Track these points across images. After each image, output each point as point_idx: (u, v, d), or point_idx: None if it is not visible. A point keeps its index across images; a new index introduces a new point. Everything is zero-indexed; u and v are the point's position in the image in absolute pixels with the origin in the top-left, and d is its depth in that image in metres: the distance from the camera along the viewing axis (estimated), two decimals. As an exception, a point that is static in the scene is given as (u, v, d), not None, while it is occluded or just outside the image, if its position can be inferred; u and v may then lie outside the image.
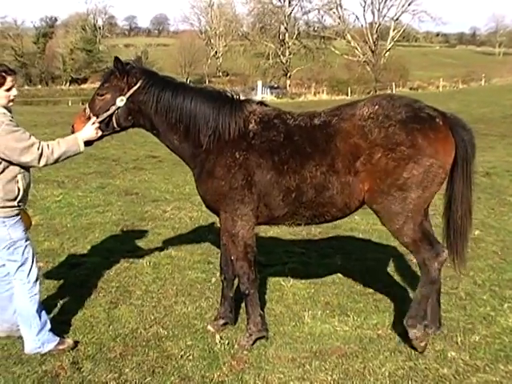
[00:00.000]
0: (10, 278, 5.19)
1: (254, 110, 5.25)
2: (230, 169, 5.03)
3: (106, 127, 5.25)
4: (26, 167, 5.01)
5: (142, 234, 8.74)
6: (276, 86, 66.74)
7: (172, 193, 11.82)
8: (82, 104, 54.01)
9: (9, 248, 4.99)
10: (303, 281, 6.86)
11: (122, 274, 7.08)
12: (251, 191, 5.04)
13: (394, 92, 59.27)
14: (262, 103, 5.49)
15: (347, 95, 58.66)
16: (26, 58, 79.19)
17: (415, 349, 5.11)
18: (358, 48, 69.64)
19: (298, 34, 73.50)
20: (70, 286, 6.62)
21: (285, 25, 72.56)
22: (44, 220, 9.32)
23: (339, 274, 7.10)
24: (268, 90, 60.95)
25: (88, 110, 5.24)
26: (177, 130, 5.24)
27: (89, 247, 8.02)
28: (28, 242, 5.13)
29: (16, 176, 4.93)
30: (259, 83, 59.30)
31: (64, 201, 10.66)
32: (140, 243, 8.26)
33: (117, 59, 5.18)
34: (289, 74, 71.96)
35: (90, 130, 5.17)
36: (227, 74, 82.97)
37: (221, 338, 5.38)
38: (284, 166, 4.99)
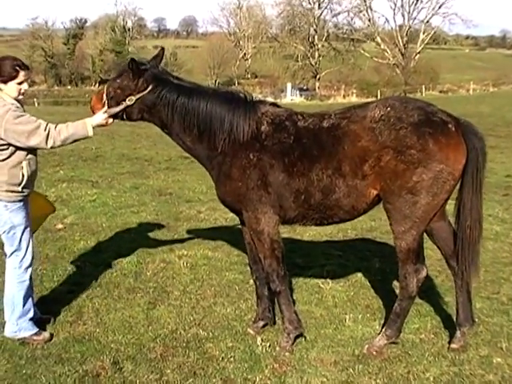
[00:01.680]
0: None
1: (267, 111, 5.24)
2: (245, 170, 5.06)
3: (116, 117, 5.30)
4: (33, 153, 5.21)
5: (177, 234, 8.74)
6: (305, 87, 66.72)
7: (206, 193, 11.79)
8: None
9: (8, 232, 5.18)
10: (342, 283, 6.78)
11: (159, 274, 7.07)
12: (267, 191, 5.05)
13: (423, 95, 58.81)
14: (274, 104, 5.46)
15: (377, 97, 58.37)
16: (56, 59, 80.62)
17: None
18: (388, 50, 69.22)
19: (328, 36, 73.37)
20: (107, 286, 6.63)
21: (314, 27, 72.49)
22: (79, 219, 9.37)
23: (378, 277, 7.00)
24: (297, 91, 60.94)
25: (104, 96, 5.26)
26: (190, 132, 5.24)
27: (125, 247, 8.01)
28: (27, 229, 5.29)
29: (21, 162, 5.10)
30: (289, 85, 59.38)
31: (98, 200, 10.70)
32: (176, 244, 8.24)
33: (132, 60, 5.15)
34: (318, 76, 71.79)
35: (100, 118, 5.24)
36: (256, 76, 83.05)
37: (262, 340, 5.33)
38: (293, 168, 5.00)
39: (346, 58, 71.35)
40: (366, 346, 5.19)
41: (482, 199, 4.99)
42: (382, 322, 5.72)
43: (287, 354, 5.13)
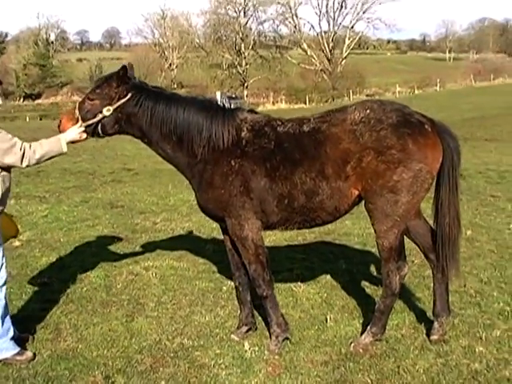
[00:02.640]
0: None
1: (245, 118, 5.27)
2: (227, 177, 5.06)
3: (91, 132, 5.22)
4: (6, 170, 4.99)
5: (137, 246, 8.63)
6: (235, 96, 66.87)
7: (157, 204, 11.72)
8: (40, 119, 53.57)
9: None
10: (313, 286, 6.88)
11: (129, 286, 6.98)
12: (250, 197, 5.07)
13: (351, 99, 60.12)
14: (252, 111, 5.51)
15: (305, 104, 59.34)
16: (-23, 75, 77.56)
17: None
18: (315, 56, 70.45)
19: (254, 44, 73.96)
20: (79, 301, 6.50)
21: (240, 35, 73.00)
22: (35, 235, 9.14)
23: (347, 278, 7.14)
24: (227, 100, 61.00)
25: (77, 111, 5.17)
26: (170, 140, 5.23)
27: (88, 261, 7.85)
28: (1, 247, 5.15)
29: None
30: (218, 94, 59.30)
31: (51, 216, 10.46)
32: (139, 256, 8.14)
33: (124, 67, 5.12)
34: (246, 84, 72.24)
35: (74, 133, 5.12)
36: (182, 86, 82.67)
37: (249, 344, 5.35)
38: (276, 173, 5.04)
39: (272, 65, 72.16)
40: (353, 345, 5.29)
41: (458, 197, 5.20)
42: (362, 320, 5.86)
43: (277, 356, 5.18)
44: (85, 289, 6.87)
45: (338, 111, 5.16)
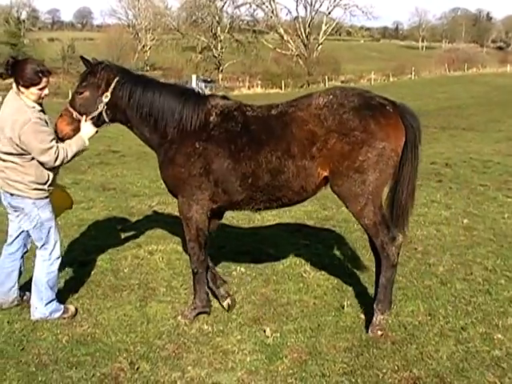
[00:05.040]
0: (15, 256, 5.70)
1: (217, 104, 5.53)
2: (189, 157, 5.35)
3: (97, 121, 5.50)
4: None
5: (137, 230, 8.53)
6: (210, 79, 66.43)
7: (149, 187, 11.63)
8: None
9: (38, 227, 5.45)
10: (322, 272, 6.88)
11: (136, 270, 6.92)
12: (208, 178, 5.36)
13: (326, 85, 60.19)
14: (225, 97, 5.77)
15: (281, 89, 59.20)
16: None
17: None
18: (291, 42, 70.24)
19: (230, 27, 73.41)
20: (88, 285, 6.42)
21: (217, 18, 72.39)
22: (31, 218, 8.94)
23: (353, 264, 7.17)
24: (202, 83, 60.57)
25: (71, 110, 5.43)
26: (147, 123, 5.54)
27: (90, 245, 7.77)
28: (54, 223, 5.58)
29: None
30: (193, 77, 58.65)
31: (44, 198, 10.24)
32: (141, 239, 8.09)
33: (81, 57, 5.48)
34: (221, 68, 71.79)
35: (88, 128, 5.42)
36: (155, 69, 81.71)
37: (271, 330, 5.35)
38: (240, 154, 5.29)
39: (248, 49, 71.69)
40: (370, 330, 5.34)
41: (417, 173, 5.43)
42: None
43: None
44: (92, 273, 6.78)
45: (305, 97, 5.40)
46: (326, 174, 5.22)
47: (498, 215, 9.55)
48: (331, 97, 5.19)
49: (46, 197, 5.45)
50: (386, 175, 5.19)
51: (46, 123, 5.35)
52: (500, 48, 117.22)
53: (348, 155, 5.04)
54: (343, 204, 5.41)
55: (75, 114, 5.39)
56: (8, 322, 5.51)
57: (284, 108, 5.33)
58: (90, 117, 5.41)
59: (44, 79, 5.22)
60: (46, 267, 5.54)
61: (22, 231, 5.59)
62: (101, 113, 5.44)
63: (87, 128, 5.40)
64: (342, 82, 63.47)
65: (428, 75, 64.79)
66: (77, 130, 5.40)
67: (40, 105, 5.38)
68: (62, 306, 5.65)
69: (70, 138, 5.38)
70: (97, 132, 5.55)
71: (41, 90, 5.25)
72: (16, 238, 5.66)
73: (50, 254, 5.54)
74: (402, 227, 5.47)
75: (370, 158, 5.03)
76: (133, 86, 5.46)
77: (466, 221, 9.10)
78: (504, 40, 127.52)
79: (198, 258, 5.65)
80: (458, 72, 65.68)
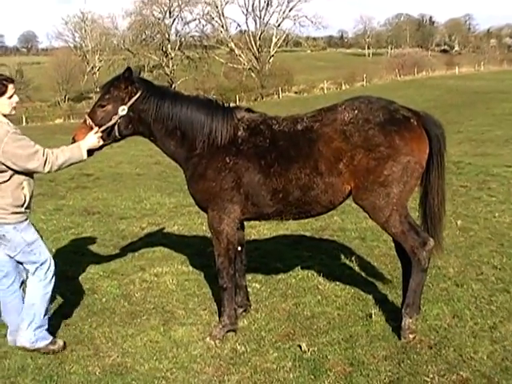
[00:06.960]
0: (14, 287, 5.48)
1: (243, 117, 5.56)
2: (220, 171, 5.37)
3: (107, 136, 5.47)
4: (30, 175, 5.22)
5: (136, 252, 8.35)
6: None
7: (135, 209, 11.42)
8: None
9: (26, 251, 5.25)
10: (337, 283, 6.84)
11: (148, 295, 6.74)
12: (239, 192, 5.38)
13: (280, 97, 60.62)
14: (249, 110, 5.76)
15: (235, 103, 59.16)
16: None
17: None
18: (243, 55, 70.44)
19: (181, 44, 73.22)
20: (102, 313, 6.23)
21: (167, 36, 72.15)
22: (24, 248, 8.65)
23: (363, 273, 7.17)
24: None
25: (89, 121, 5.40)
26: (174, 136, 5.53)
27: (92, 271, 7.56)
28: (41, 242, 5.41)
29: (22, 183, 5.13)
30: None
31: (31, 226, 9.95)
32: (142, 261, 7.93)
33: (129, 69, 5.43)
34: (174, 86, 71.38)
35: (92, 139, 5.33)
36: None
37: (307, 345, 5.27)
38: (270, 169, 5.32)
39: (199, 65, 71.56)
40: (402, 336, 5.32)
41: (445, 180, 5.53)
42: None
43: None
44: (103, 299, 6.59)
45: (329, 110, 5.40)
46: (350, 187, 5.26)
47: (489, 214, 9.70)
48: (356, 112, 5.21)
49: (26, 219, 5.26)
50: (411, 186, 5.25)
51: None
52: (445, 51, 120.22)
53: (373, 170, 5.10)
54: (367, 216, 5.44)
55: (92, 125, 5.37)
56: (31, 358, 5.29)
57: (309, 123, 5.35)
58: (103, 129, 5.36)
59: (10, 86, 5.08)
60: (42, 288, 5.35)
61: (10, 259, 5.34)
62: (113, 126, 5.40)
63: (91, 139, 5.31)
64: (296, 92, 64.01)
65: (379, 81, 65.83)
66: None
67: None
68: (51, 337, 5.43)
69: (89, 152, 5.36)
70: (101, 148, 5.47)
71: (10, 98, 5.10)
72: (7, 269, 5.40)
73: (46, 272, 5.36)
74: (436, 234, 5.51)
75: (395, 172, 5.09)
76: (159, 99, 5.43)
77: (460, 222, 9.21)
78: (448, 43, 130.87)
79: (228, 273, 5.62)
80: (409, 76, 66.92)
